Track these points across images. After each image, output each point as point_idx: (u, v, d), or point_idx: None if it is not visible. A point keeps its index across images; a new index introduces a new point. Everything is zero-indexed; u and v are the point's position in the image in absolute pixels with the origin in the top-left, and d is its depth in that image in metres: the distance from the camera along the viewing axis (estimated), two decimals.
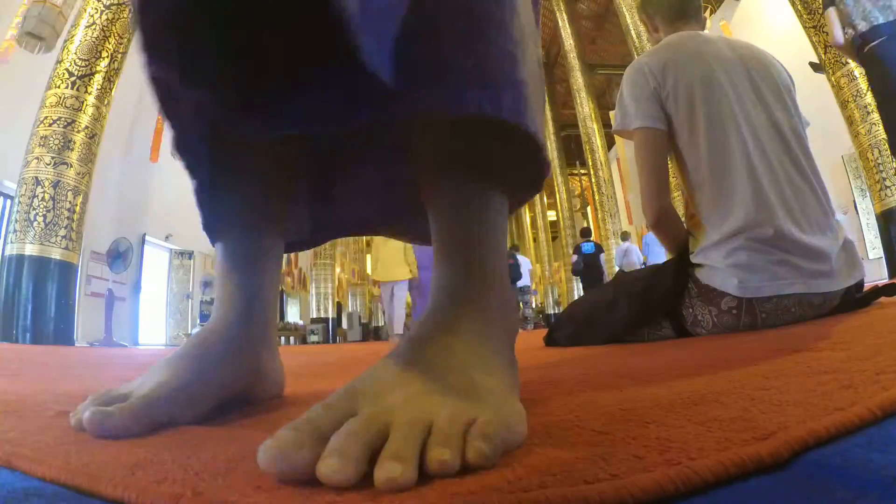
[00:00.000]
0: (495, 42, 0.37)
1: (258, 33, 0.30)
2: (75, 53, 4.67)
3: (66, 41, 4.79)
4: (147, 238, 9.12)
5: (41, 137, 4.45)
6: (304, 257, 12.59)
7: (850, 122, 5.26)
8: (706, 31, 1.36)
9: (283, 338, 9.17)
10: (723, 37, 1.33)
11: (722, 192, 1.13)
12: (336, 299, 11.52)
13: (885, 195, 4.99)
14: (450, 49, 0.36)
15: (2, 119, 6.04)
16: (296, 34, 0.29)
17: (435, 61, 0.35)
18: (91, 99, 4.69)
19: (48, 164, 4.39)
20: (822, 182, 1.19)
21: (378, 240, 5.13)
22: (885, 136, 4.91)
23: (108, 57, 4.83)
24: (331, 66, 0.30)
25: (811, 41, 5.52)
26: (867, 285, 1.25)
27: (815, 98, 5.38)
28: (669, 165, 1.26)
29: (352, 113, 0.32)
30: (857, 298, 1.16)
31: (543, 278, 17.31)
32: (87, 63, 4.69)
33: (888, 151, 4.93)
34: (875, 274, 5.99)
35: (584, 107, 11.96)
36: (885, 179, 4.98)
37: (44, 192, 4.34)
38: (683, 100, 1.18)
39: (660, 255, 6.76)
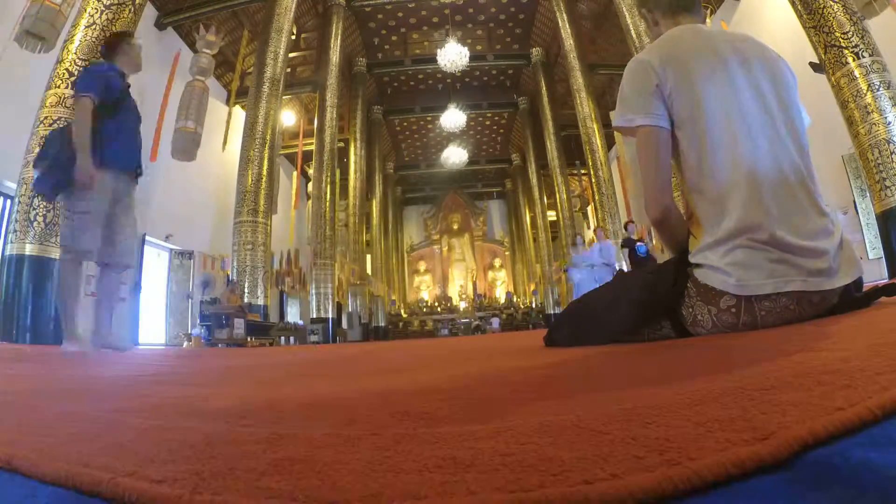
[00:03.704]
0: None
1: None
2: (75, 53, 4.67)
3: (66, 41, 4.79)
4: (147, 238, 9.12)
5: (41, 137, 4.45)
6: (304, 257, 12.60)
7: (850, 122, 5.26)
8: (706, 26, 1.35)
9: (283, 338, 9.15)
10: (724, 31, 1.32)
11: (719, 194, 1.12)
12: (336, 299, 11.51)
13: (885, 195, 4.99)
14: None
15: (2, 119, 6.03)
16: None
17: None
18: None
19: None
20: (817, 180, 1.18)
21: None
22: (885, 136, 4.94)
23: None
24: None
25: (811, 41, 5.52)
26: (867, 285, 1.25)
27: (815, 98, 5.38)
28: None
29: None
30: (856, 298, 1.16)
31: (543, 278, 17.31)
32: (87, 63, 4.69)
33: (888, 151, 4.94)
34: (875, 274, 5.99)
35: (584, 107, 11.96)
36: (885, 179, 4.98)
37: None
38: (685, 98, 1.17)
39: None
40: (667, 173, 1.20)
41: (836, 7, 5.20)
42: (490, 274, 22.99)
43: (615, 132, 1.59)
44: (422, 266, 23.28)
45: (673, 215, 1.23)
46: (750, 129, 1.13)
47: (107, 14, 4.84)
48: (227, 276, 8.27)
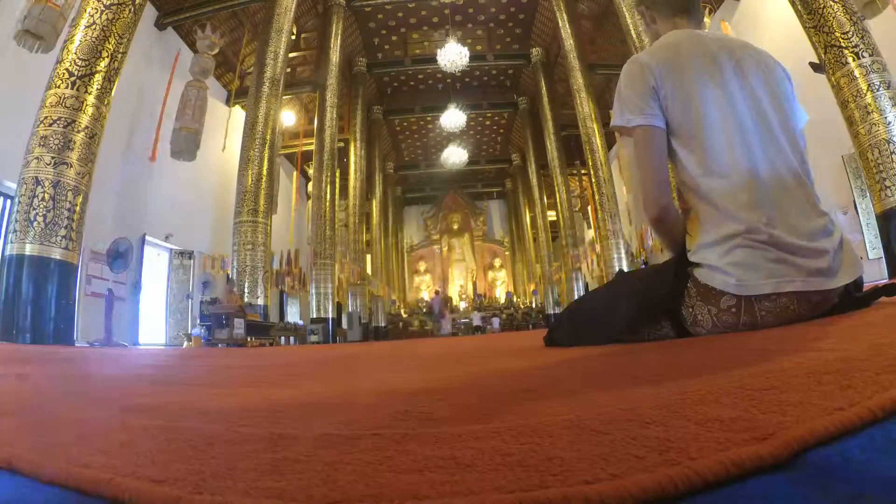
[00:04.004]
0: None
1: None
2: (75, 53, 4.67)
3: (66, 41, 4.79)
4: (147, 238, 9.13)
5: (41, 137, 4.45)
6: (304, 257, 12.61)
7: (850, 122, 5.26)
8: (704, 30, 1.35)
9: (283, 338, 9.16)
10: (721, 35, 1.32)
11: (718, 195, 1.12)
12: (336, 299, 11.51)
13: (885, 195, 4.99)
14: None
15: (2, 119, 6.04)
16: None
17: None
18: (91, 99, 4.69)
19: (48, 164, 4.39)
20: (813, 181, 1.18)
21: None
22: (885, 136, 4.94)
23: (108, 57, 4.82)
24: None
25: (811, 41, 5.51)
26: (867, 285, 1.25)
27: (815, 98, 5.38)
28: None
29: None
30: (856, 298, 1.16)
31: (543, 278, 17.31)
32: (87, 63, 4.69)
33: (888, 151, 4.94)
34: (875, 274, 5.99)
35: (584, 107, 11.96)
36: (885, 179, 4.98)
37: (44, 192, 4.34)
38: (680, 102, 1.17)
39: None
40: (664, 173, 1.21)
41: (836, 7, 5.20)
42: (490, 274, 22.99)
43: (614, 131, 1.57)
44: (422, 266, 23.28)
45: (670, 215, 1.23)
46: (745, 133, 1.14)
47: (107, 14, 4.85)
48: (227, 275, 8.27)
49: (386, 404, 0.56)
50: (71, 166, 4.51)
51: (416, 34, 15.94)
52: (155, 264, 9.64)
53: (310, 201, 12.92)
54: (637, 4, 1.55)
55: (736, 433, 0.27)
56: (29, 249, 4.26)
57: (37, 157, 4.43)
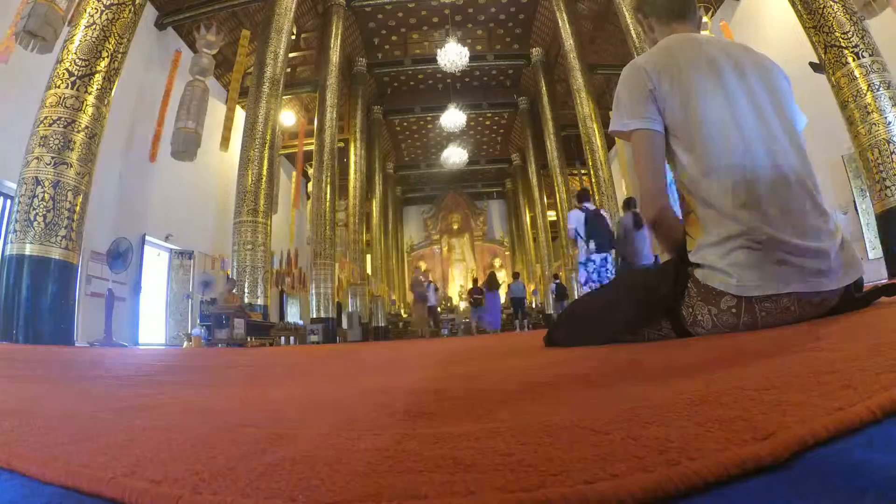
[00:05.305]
0: None
1: None
2: (75, 53, 4.67)
3: (66, 41, 4.79)
4: (147, 238, 9.12)
5: (41, 137, 4.45)
6: (304, 257, 12.61)
7: (850, 122, 5.25)
8: (703, 33, 1.36)
9: (283, 338, 9.16)
10: (719, 39, 1.33)
11: (717, 196, 1.13)
12: (336, 299, 11.51)
13: (885, 195, 4.99)
14: None
15: (2, 119, 6.03)
16: None
17: None
18: (91, 99, 4.69)
19: (48, 164, 4.39)
20: (817, 183, 1.18)
21: None
22: (885, 136, 4.94)
23: (108, 57, 4.82)
24: None
25: (811, 41, 5.51)
26: (867, 285, 1.25)
27: (815, 98, 5.37)
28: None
29: None
30: (856, 298, 1.16)
31: (543, 278, 17.31)
32: (87, 63, 4.69)
33: (888, 151, 4.94)
34: (875, 274, 5.99)
35: (584, 107, 11.95)
36: (885, 179, 4.98)
37: (44, 192, 4.33)
38: (679, 103, 1.18)
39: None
40: (662, 176, 1.22)
41: (836, 7, 5.20)
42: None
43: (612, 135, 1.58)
44: (422, 266, 23.27)
45: (669, 217, 1.24)
46: (744, 133, 1.14)
47: (107, 14, 4.85)
48: (227, 275, 8.27)
49: (386, 404, 0.56)
50: (71, 166, 4.51)
51: (416, 34, 15.93)
52: (155, 264, 9.64)
53: (310, 201, 12.92)
54: (635, 13, 1.55)
55: (736, 433, 0.27)
56: (29, 249, 4.26)
57: (37, 157, 4.43)
